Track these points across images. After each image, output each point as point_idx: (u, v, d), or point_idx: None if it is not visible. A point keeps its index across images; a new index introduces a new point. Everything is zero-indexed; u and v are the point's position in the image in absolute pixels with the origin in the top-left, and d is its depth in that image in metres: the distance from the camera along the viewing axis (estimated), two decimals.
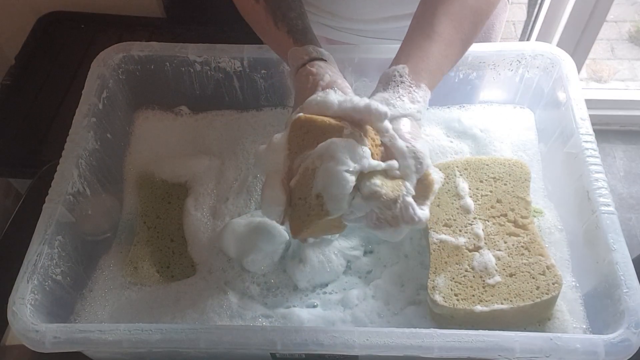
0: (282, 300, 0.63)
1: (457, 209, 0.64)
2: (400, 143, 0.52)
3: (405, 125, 0.54)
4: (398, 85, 0.56)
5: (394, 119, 0.54)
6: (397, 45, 0.73)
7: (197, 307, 0.62)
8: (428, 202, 0.52)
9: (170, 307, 0.62)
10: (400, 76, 0.57)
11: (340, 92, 0.54)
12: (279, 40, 0.61)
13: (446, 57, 0.58)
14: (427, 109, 0.58)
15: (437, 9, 0.59)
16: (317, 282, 0.64)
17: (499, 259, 0.60)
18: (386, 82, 0.57)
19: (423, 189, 0.52)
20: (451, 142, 0.74)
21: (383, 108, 0.51)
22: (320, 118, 0.52)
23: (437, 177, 0.53)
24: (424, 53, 0.58)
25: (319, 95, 0.53)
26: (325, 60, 0.58)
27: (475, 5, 0.60)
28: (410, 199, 0.50)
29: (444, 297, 0.58)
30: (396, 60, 0.58)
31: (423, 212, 0.51)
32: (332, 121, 0.52)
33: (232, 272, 0.65)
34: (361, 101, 0.52)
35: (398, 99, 0.55)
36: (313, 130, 0.52)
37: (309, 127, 0.52)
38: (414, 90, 0.56)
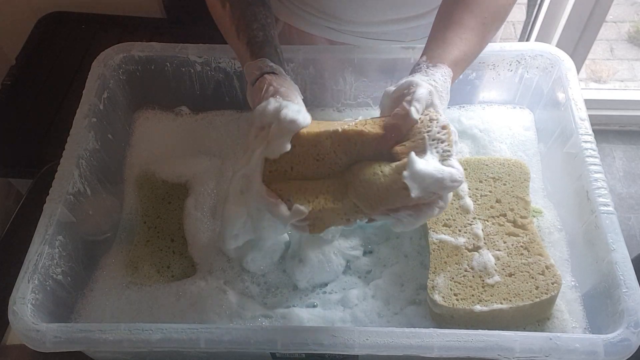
0: (281, 300, 0.63)
1: (457, 209, 0.64)
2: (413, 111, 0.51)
3: (419, 91, 0.52)
4: (417, 72, 0.56)
5: (400, 88, 0.53)
6: (398, 46, 0.73)
7: (197, 307, 0.62)
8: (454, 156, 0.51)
9: (170, 307, 0.62)
10: (418, 65, 0.57)
11: (279, 99, 0.54)
12: (239, 51, 0.61)
13: (464, 40, 0.58)
14: (448, 85, 0.56)
15: (456, 2, 0.60)
16: (316, 282, 0.64)
17: (499, 259, 0.60)
18: (409, 74, 0.57)
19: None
20: None
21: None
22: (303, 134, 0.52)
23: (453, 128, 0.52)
24: (440, 40, 0.58)
25: (256, 108, 0.54)
26: (276, 74, 0.58)
27: None
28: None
29: (443, 297, 0.58)
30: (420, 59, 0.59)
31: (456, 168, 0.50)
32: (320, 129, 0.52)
33: (231, 272, 0.65)
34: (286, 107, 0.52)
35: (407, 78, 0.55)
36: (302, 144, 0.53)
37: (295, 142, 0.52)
38: (427, 69, 0.56)
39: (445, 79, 0.56)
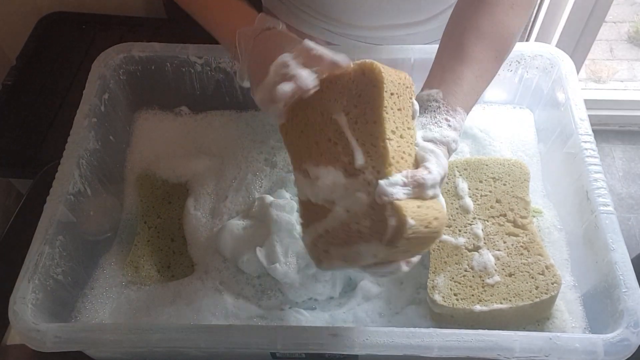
0: (276, 303, 0.63)
1: (457, 209, 0.64)
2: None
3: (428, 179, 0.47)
4: (434, 111, 0.52)
5: (431, 142, 0.50)
6: (397, 46, 0.73)
7: (193, 307, 0.62)
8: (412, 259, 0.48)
9: (166, 307, 0.62)
10: (436, 101, 0.53)
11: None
12: (233, 12, 0.57)
13: (480, 78, 0.55)
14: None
15: (465, 28, 0.56)
16: (308, 297, 0.63)
17: (498, 259, 0.60)
18: (421, 106, 0.53)
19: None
20: None
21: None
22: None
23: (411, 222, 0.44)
24: (457, 76, 0.54)
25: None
26: (279, 29, 0.54)
27: (505, 19, 0.57)
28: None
29: (443, 297, 0.58)
30: (428, 84, 0.55)
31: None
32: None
33: (227, 273, 0.65)
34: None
35: (436, 124, 0.52)
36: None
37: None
38: (451, 116, 0.52)
39: (461, 127, 0.53)
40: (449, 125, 0.52)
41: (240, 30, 0.55)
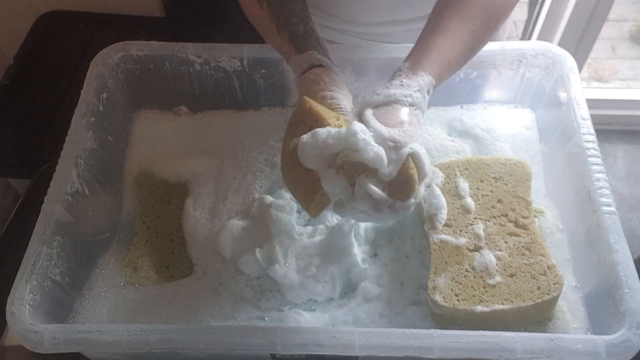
0: (276, 304, 0.62)
1: (458, 209, 0.64)
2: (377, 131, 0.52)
3: (388, 112, 0.53)
4: (394, 78, 0.56)
5: (378, 106, 0.54)
6: (398, 46, 0.73)
7: (191, 308, 0.62)
8: (409, 200, 0.51)
9: (165, 307, 0.62)
10: (399, 70, 0.57)
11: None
12: (282, 48, 0.62)
13: (450, 47, 0.57)
14: (425, 98, 0.56)
15: (445, 8, 0.59)
16: (308, 298, 0.63)
17: (500, 259, 0.60)
18: (389, 79, 0.57)
19: (402, 184, 0.51)
20: (453, 141, 0.73)
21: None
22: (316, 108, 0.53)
23: (424, 173, 0.52)
24: (425, 46, 0.57)
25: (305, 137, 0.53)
26: (324, 66, 0.58)
27: (488, 2, 0.59)
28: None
29: (444, 297, 0.58)
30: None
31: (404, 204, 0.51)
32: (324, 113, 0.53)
33: (226, 274, 0.64)
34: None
35: (386, 88, 0.55)
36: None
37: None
38: (408, 78, 0.55)
39: (423, 89, 0.55)
40: (401, 85, 0.55)
41: (294, 61, 0.59)
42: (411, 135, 0.52)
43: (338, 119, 0.53)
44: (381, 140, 0.51)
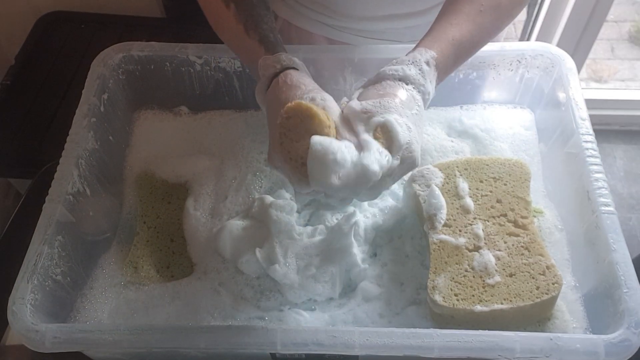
0: (275, 304, 0.62)
1: (457, 209, 0.64)
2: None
3: (375, 89, 0.52)
4: (396, 59, 0.56)
5: (367, 86, 0.54)
6: (398, 46, 0.73)
7: (191, 307, 0.62)
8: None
9: (165, 307, 0.62)
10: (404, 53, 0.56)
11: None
12: (250, 48, 0.60)
13: (454, 25, 0.56)
14: (424, 71, 0.55)
15: None
16: (308, 298, 0.63)
17: (499, 259, 0.60)
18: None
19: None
20: (452, 141, 0.74)
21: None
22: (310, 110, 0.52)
23: (397, 144, 0.50)
24: (430, 29, 0.57)
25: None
26: (298, 70, 0.57)
27: None
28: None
29: (443, 297, 0.58)
30: None
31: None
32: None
33: (226, 274, 0.64)
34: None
35: (382, 69, 0.55)
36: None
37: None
38: (404, 57, 0.55)
39: (419, 61, 0.54)
40: (395, 62, 0.54)
41: (263, 60, 0.57)
42: (387, 106, 0.51)
43: (328, 119, 0.52)
44: (354, 115, 0.51)
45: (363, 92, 0.54)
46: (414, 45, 0.72)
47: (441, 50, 0.56)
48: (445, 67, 0.56)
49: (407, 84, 0.53)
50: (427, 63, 0.54)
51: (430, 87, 0.55)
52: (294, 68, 0.57)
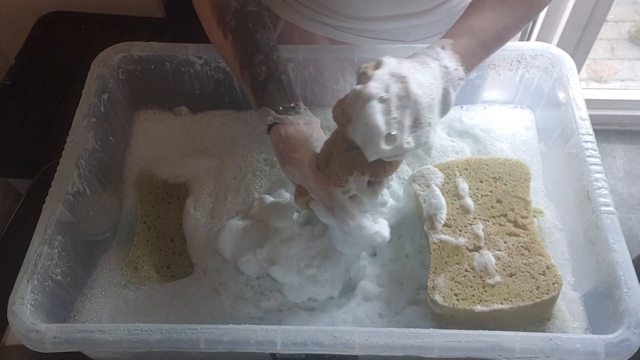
0: (275, 304, 0.62)
1: (457, 209, 0.64)
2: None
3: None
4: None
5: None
6: (398, 46, 0.73)
7: (191, 308, 0.62)
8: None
9: (165, 307, 0.62)
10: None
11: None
12: (246, 91, 0.61)
13: (474, 15, 0.57)
14: (436, 50, 0.55)
15: None
16: (308, 298, 0.63)
17: (499, 259, 0.60)
18: None
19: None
20: (452, 141, 0.74)
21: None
22: None
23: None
24: (456, 22, 0.58)
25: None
26: (281, 123, 0.57)
27: None
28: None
29: (443, 297, 0.58)
30: None
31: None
32: None
33: (226, 274, 0.64)
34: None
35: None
36: None
37: None
38: (429, 47, 0.55)
39: (434, 46, 0.55)
40: (416, 53, 0.55)
41: (257, 115, 0.59)
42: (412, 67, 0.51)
43: None
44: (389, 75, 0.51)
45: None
46: (414, 45, 0.73)
47: (457, 35, 0.56)
48: (466, 54, 0.56)
49: (430, 58, 0.54)
50: (443, 47, 0.55)
51: (450, 63, 0.55)
52: (277, 123, 0.57)
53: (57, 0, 1.31)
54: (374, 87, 0.50)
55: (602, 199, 0.60)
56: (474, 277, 0.59)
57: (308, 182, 0.56)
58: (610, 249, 0.57)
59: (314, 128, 0.58)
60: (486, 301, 0.57)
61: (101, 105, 0.71)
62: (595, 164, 0.63)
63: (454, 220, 0.63)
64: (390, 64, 0.52)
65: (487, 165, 0.67)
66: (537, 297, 0.57)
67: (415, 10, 0.74)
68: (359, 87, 0.50)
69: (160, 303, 0.62)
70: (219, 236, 0.65)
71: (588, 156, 0.63)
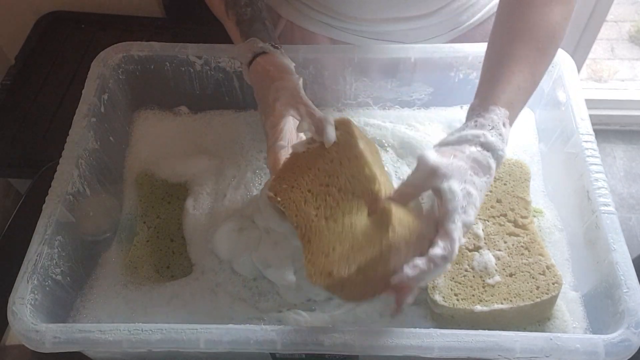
0: (274, 305, 0.62)
1: None
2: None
3: (451, 149, 0.52)
4: (469, 119, 0.54)
5: (447, 144, 0.53)
6: (398, 46, 0.73)
7: (189, 308, 0.62)
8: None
9: (163, 307, 0.62)
10: (472, 109, 0.55)
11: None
12: (230, 31, 0.64)
13: (516, 72, 0.55)
14: (503, 135, 0.53)
15: (502, 35, 0.57)
16: (306, 299, 0.62)
17: (499, 259, 0.60)
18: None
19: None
20: None
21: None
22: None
23: (448, 211, 0.49)
24: (491, 77, 0.55)
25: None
26: (267, 53, 0.60)
27: (542, 13, 0.57)
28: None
29: (443, 297, 0.58)
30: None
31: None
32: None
33: (223, 275, 0.64)
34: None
35: (461, 129, 0.53)
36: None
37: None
38: (479, 116, 0.53)
39: (497, 125, 0.53)
40: (475, 125, 0.53)
41: (238, 47, 0.62)
42: (454, 169, 0.49)
43: (382, 175, 0.54)
44: (426, 169, 0.50)
45: (439, 150, 0.53)
46: (414, 45, 0.73)
47: (510, 103, 0.54)
48: (514, 118, 0.55)
49: (487, 151, 0.52)
50: (504, 125, 0.53)
51: (507, 149, 0.54)
52: (263, 53, 0.60)
53: (57, 0, 1.31)
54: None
55: (602, 199, 0.60)
56: (473, 277, 0.59)
57: (297, 101, 0.57)
58: (610, 249, 0.57)
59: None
60: (486, 301, 0.57)
61: (101, 105, 0.71)
62: (595, 164, 0.63)
63: None
64: (457, 194, 0.49)
65: None
66: (537, 297, 0.57)
67: (415, 14, 0.74)
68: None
69: (160, 303, 0.62)
70: (215, 237, 0.65)
71: (588, 156, 0.63)
